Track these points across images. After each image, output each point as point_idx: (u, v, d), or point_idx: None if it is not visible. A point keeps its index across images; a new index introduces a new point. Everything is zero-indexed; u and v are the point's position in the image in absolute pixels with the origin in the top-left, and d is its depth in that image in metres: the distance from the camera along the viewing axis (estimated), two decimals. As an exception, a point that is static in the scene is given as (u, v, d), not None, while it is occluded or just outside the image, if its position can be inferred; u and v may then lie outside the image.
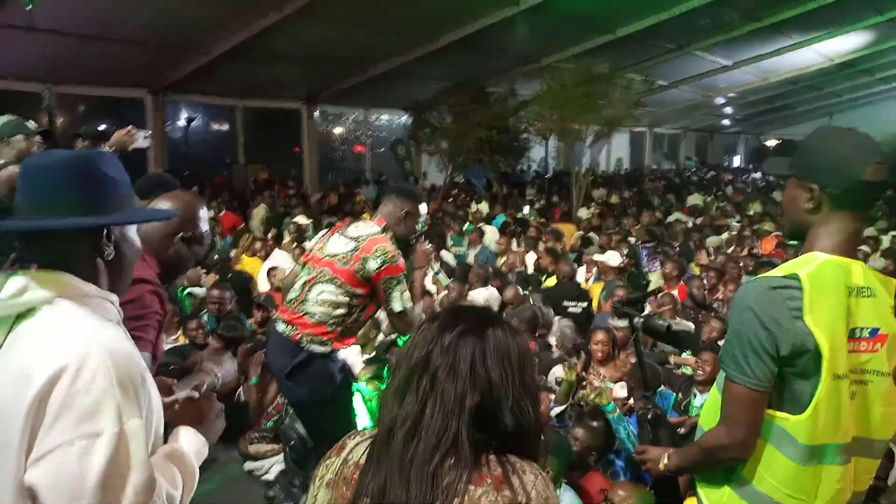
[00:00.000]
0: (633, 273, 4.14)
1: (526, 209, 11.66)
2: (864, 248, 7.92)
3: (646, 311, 2.81)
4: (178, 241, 2.11)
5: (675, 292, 6.04)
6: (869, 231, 8.86)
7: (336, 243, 3.23)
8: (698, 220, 11.92)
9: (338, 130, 20.26)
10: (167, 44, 10.10)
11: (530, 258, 8.12)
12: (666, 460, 2.00)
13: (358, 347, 4.73)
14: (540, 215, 12.01)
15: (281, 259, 7.15)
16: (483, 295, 6.02)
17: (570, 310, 6.10)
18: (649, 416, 2.23)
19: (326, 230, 3.43)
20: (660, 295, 5.66)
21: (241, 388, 4.79)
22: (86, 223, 1.33)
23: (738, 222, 11.90)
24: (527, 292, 6.46)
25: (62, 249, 1.34)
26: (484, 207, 12.55)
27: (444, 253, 7.89)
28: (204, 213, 2.20)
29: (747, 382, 1.71)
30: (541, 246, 8.36)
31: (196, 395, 1.65)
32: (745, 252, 8.35)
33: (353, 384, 3.97)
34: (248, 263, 7.46)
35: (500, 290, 6.26)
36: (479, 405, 1.18)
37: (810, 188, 1.76)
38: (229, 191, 12.34)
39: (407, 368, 1.24)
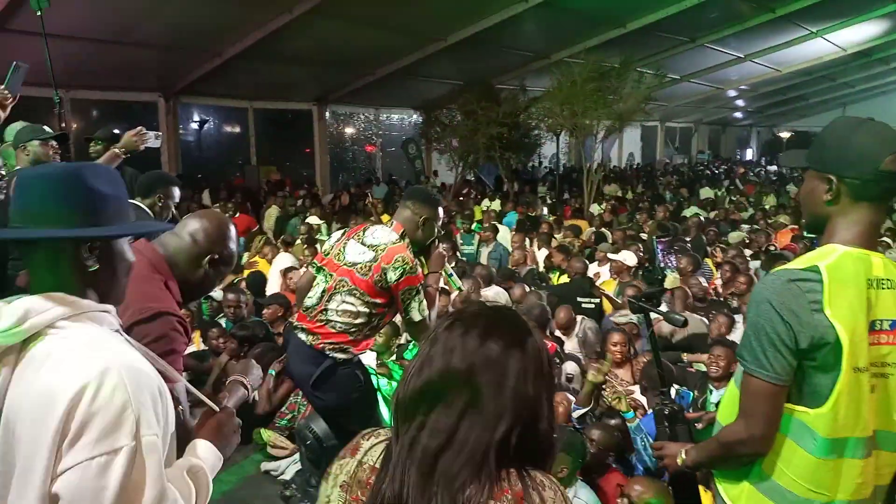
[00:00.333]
0: (649, 268, 4.11)
1: (545, 211, 11.54)
2: (886, 239, 7.83)
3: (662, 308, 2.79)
4: (206, 262, 2.05)
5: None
6: (889, 223, 8.76)
7: (354, 250, 3.21)
8: (712, 214, 11.83)
9: (349, 130, 20.31)
10: (179, 47, 10.18)
11: (541, 255, 8.09)
12: (684, 456, 1.99)
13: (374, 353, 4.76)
14: (551, 212, 11.97)
15: (285, 262, 7.16)
16: (489, 295, 6.00)
17: (584, 306, 6.08)
18: (666, 412, 2.21)
19: (342, 233, 3.40)
20: (674, 290, 5.64)
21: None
22: (61, 234, 1.34)
23: (751, 215, 11.80)
24: (540, 290, 6.43)
25: (49, 260, 1.36)
26: (496, 205, 12.52)
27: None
28: (234, 233, 2.14)
29: (766, 376, 1.69)
30: (554, 243, 8.33)
31: (216, 408, 1.65)
32: (759, 247, 8.26)
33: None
34: (261, 265, 7.49)
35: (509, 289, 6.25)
36: (513, 421, 1.16)
37: (829, 180, 1.74)
38: (242, 192, 12.40)
39: (441, 375, 1.19)
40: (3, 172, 3.32)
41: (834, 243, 1.74)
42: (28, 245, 1.37)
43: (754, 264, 7.15)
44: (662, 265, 5.45)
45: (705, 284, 6.13)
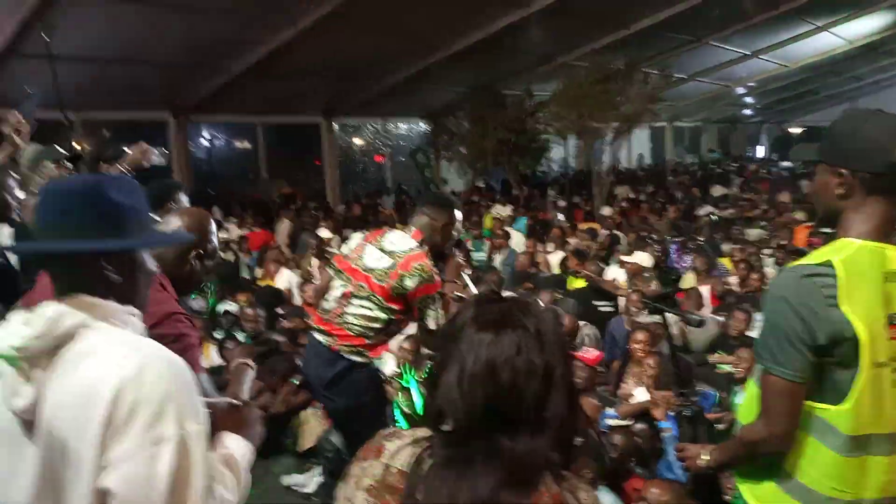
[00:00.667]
0: (664, 269, 4.08)
1: (560, 217, 11.43)
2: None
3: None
4: (192, 258, 2.13)
5: (705, 288, 5.97)
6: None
7: (372, 255, 3.21)
8: (725, 213, 11.77)
9: (357, 142, 20.40)
10: (187, 66, 10.28)
11: (555, 259, 8.06)
12: (705, 456, 1.97)
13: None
14: (565, 216, 11.92)
15: (288, 279, 7.18)
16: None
17: (601, 309, 6.07)
18: (687, 413, 2.20)
19: (362, 237, 3.41)
20: (689, 289, 5.60)
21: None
22: (82, 247, 1.36)
23: (765, 212, 11.71)
24: (558, 294, 6.42)
25: (72, 273, 1.38)
26: (506, 211, 12.51)
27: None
28: (213, 228, 2.25)
29: (784, 374, 1.68)
30: (567, 246, 8.31)
31: (238, 402, 1.68)
32: (774, 243, 8.19)
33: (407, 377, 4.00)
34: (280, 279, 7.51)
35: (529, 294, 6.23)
36: (553, 423, 1.15)
37: (841, 173, 1.73)
38: (256, 206, 12.47)
39: (475, 380, 1.15)
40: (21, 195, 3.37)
41: (848, 237, 1.73)
42: (52, 258, 1.39)
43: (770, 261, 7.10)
44: (677, 266, 5.40)
45: (729, 282, 6.07)
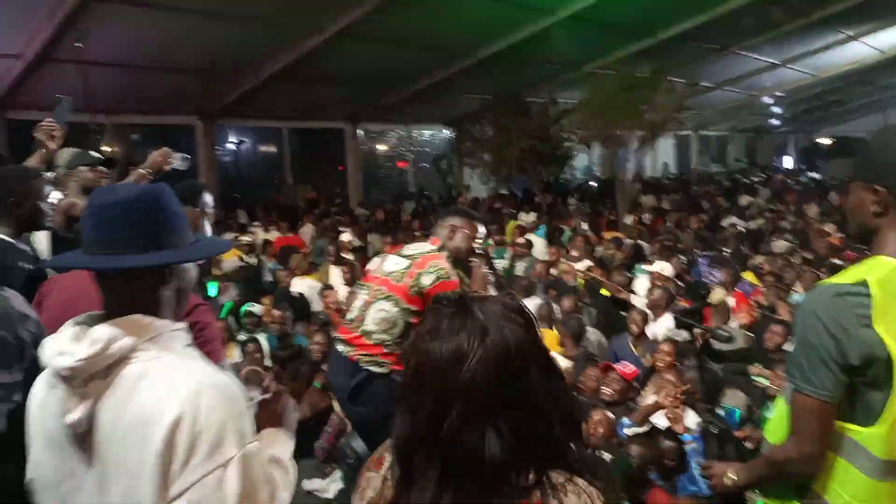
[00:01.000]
0: (693, 283, 3.99)
1: (585, 226, 11.32)
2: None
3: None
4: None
5: (731, 300, 5.88)
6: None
7: (391, 262, 3.28)
8: (752, 224, 11.61)
9: (381, 147, 20.50)
10: (216, 71, 10.42)
11: (578, 268, 7.98)
12: (732, 475, 1.94)
13: None
14: (589, 225, 11.81)
15: (308, 285, 7.22)
16: (531, 306, 5.95)
17: (622, 318, 6.01)
18: (714, 431, 2.16)
19: (384, 252, 3.51)
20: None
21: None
22: (163, 260, 1.39)
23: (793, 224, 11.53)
24: (584, 302, 6.38)
25: (126, 285, 1.39)
26: (530, 218, 12.46)
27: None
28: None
29: (815, 393, 1.65)
30: (597, 253, 8.26)
31: (268, 396, 1.70)
32: (800, 257, 8.03)
33: None
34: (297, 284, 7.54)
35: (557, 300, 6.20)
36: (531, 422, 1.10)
37: (876, 190, 1.70)
38: (280, 210, 12.57)
39: (442, 375, 1.10)
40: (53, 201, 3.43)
41: (883, 256, 1.70)
42: (105, 273, 1.40)
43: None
44: (706, 281, 5.29)
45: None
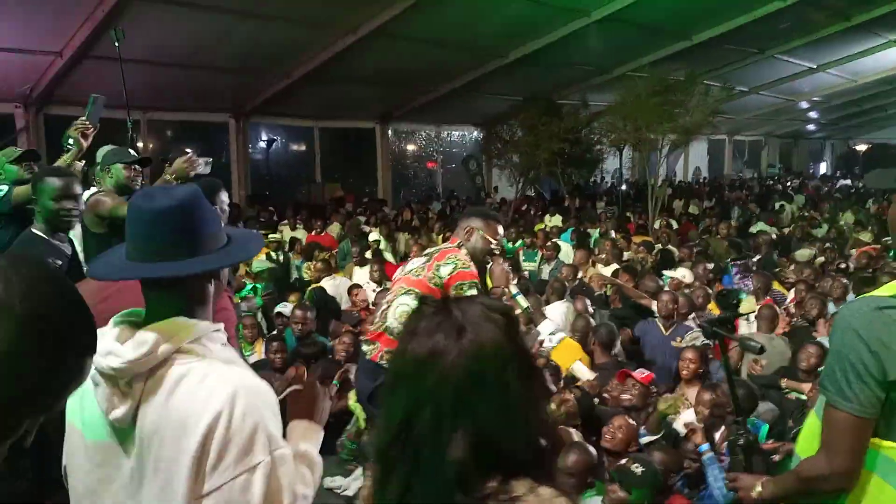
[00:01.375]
0: (723, 292, 3.91)
1: (612, 232, 11.23)
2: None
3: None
4: None
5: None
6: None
7: (413, 262, 3.37)
8: (785, 231, 11.41)
9: (410, 147, 20.56)
10: (249, 70, 10.56)
11: (606, 272, 7.90)
12: (759, 489, 1.90)
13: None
14: (617, 229, 11.71)
15: (336, 284, 7.25)
16: (560, 309, 5.92)
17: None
18: (741, 443, 2.13)
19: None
20: (762, 308, 5.41)
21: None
22: (204, 267, 1.45)
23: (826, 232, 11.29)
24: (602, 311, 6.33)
25: (172, 289, 1.44)
26: (556, 221, 12.41)
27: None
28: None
29: (850, 408, 1.61)
30: (626, 256, 8.18)
31: (300, 387, 1.73)
32: (834, 266, 7.83)
33: None
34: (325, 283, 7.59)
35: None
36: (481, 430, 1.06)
37: (918, 203, 1.66)
38: (310, 209, 12.68)
39: (400, 375, 1.12)
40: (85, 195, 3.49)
41: (924, 269, 1.65)
42: (153, 279, 1.45)
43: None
44: (738, 288, 5.18)
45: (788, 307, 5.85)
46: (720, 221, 11.50)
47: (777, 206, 14.89)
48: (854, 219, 12.72)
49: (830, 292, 6.00)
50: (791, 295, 6.42)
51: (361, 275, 7.64)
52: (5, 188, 3.74)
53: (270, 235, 9.14)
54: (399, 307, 3.17)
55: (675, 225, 12.34)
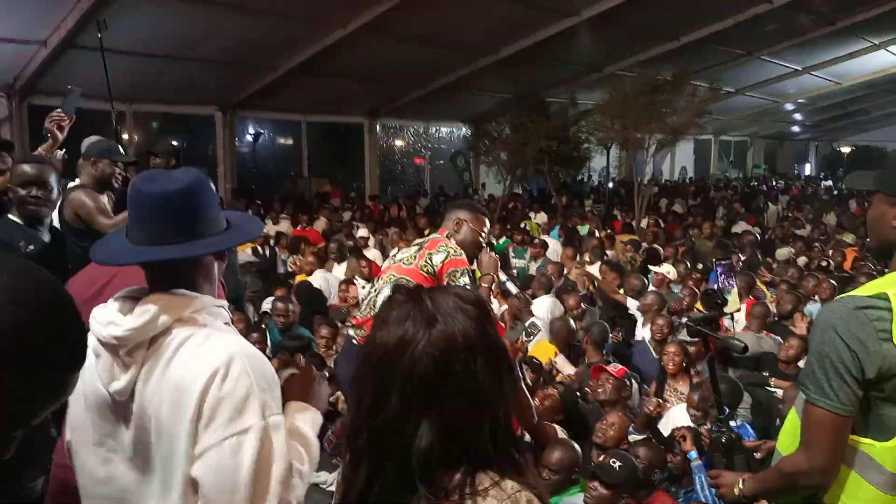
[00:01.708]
0: (708, 291, 3.94)
1: (597, 231, 11.27)
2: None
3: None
4: None
5: (743, 307, 5.83)
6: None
7: (403, 252, 3.37)
8: (769, 231, 11.52)
9: (398, 143, 20.52)
10: (237, 63, 10.50)
11: (593, 270, 7.95)
12: (741, 485, 1.93)
13: None
14: (603, 227, 11.78)
15: (324, 278, 7.24)
16: (546, 303, 5.95)
17: (621, 322, 6.00)
18: (723, 441, 2.15)
19: (397, 250, 3.58)
20: (753, 306, 5.47)
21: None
22: (206, 249, 1.47)
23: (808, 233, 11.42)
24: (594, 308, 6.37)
25: (174, 268, 1.47)
26: (541, 218, 12.45)
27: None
28: None
29: (829, 406, 1.64)
30: (610, 254, 8.23)
31: (296, 371, 1.76)
32: (817, 265, 7.94)
33: None
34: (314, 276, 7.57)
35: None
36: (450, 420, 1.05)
37: (898, 204, 1.68)
38: (295, 203, 12.64)
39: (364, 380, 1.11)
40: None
41: (904, 270, 1.68)
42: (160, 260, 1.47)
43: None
44: (722, 288, 5.22)
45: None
46: (704, 221, 11.59)
47: (761, 204, 15.03)
48: (836, 220, 12.88)
49: (819, 292, 6.10)
50: (769, 294, 6.52)
51: (339, 271, 7.64)
52: None
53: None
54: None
55: (661, 224, 12.41)
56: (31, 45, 8.34)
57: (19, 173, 3.03)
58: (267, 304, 6.11)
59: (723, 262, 5.58)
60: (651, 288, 6.48)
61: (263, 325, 5.91)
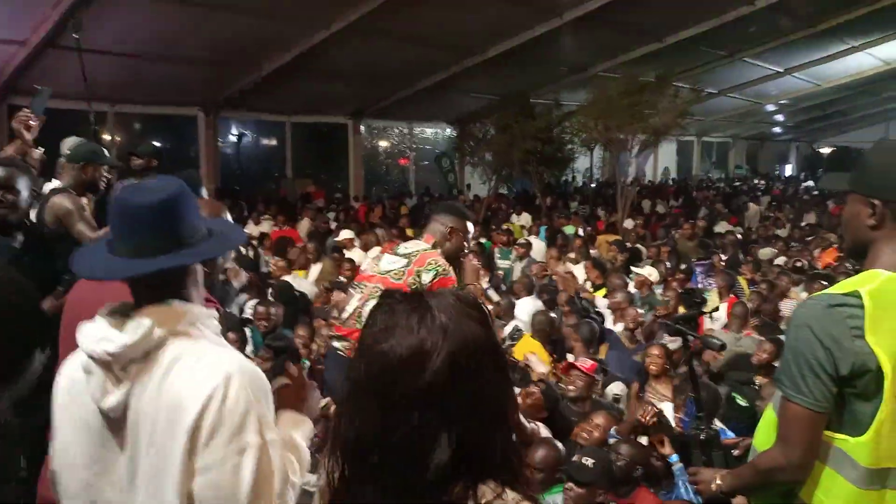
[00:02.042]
0: (688, 290, 3.98)
1: (580, 230, 11.33)
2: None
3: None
4: None
5: (723, 306, 5.90)
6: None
7: (388, 261, 3.27)
8: (752, 230, 11.64)
9: (383, 144, 20.50)
10: (220, 63, 10.43)
11: (577, 270, 8.00)
12: (719, 481, 1.95)
13: None
14: (586, 226, 11.84)
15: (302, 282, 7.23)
16: (528, 306, 5.98)
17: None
18: (702, 438, 2.17)
19: (378, 251, 3.51)
20: (734, 303, 5.51)
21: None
22: (189, 259, 1.46)
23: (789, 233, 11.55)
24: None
25: (160, 280, 1.44)
26: (525, 219, 12.49)
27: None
28: (228, 218, 2.27)
29: (804, 402, 1.66)
30: (594, 253, 8.27)
31: (288, 381, 1.76)
32: (791, 264, 8.02)
33: None
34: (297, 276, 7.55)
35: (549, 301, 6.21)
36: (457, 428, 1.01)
37: (872, 204, 1.71)
38: (279, 204, 12.58)
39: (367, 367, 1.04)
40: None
41: (876, 268, 1.71)
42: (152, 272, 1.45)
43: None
44: (702, 287, 5.28)
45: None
46: (686, 221, 11.69)
47: (745, 209, 15.15)
48: (816, 220, 13.04)
49: (790, 294, 6.18)
50: (748, 292, 6.61)
51: (315, 271, 7.63)
52: None
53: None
54: None
55: (641, 224, 12.49)
56: (11, 45, 8.24)
57: None
58: (248, 308, 6.06)
59: (702, 261, 5.65)
60: (630, 289, 6.53)
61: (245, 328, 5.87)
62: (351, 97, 13.72)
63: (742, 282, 6.90)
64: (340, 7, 9.16)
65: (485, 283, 3.68)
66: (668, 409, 4.05)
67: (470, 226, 3.40)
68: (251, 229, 9.89)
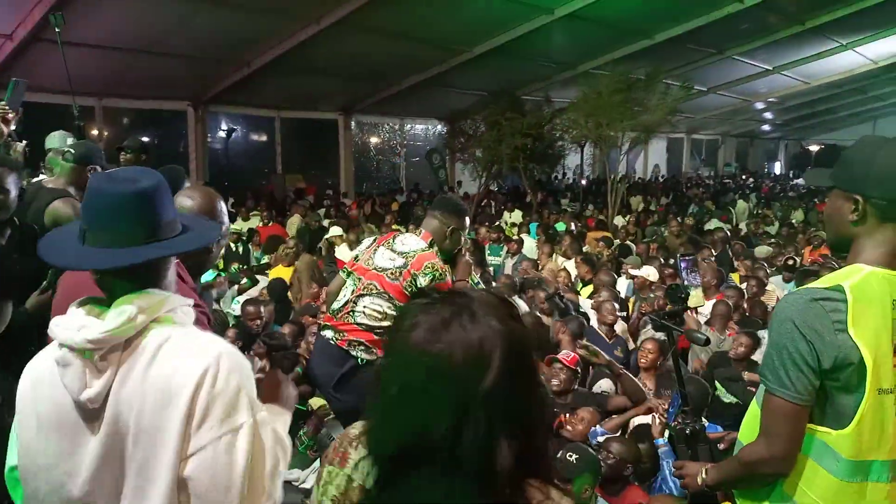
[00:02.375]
0: (673, 286, 4.00)
1: (571, 225, 11.36)
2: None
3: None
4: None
5: (711, 302, 5.92)
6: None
7: (383, 257, 3.24)
8: (740, 227, 11.70)
9: (373, 140, 20.46)
10: (209, 58, 10.38)
11: (567, 266, 8.01)
12: (704, 475, 1.97)
13: None
14: (576, 223, 11.87)
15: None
16: (518, 304, 5.98)
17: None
18: (687, 432, 2.19)
19: (373, 240, 3.45)
20: (715, 302, 5.54)
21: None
22: (163, 252, 1.44)
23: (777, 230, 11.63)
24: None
25: (151, 270, 1.44)
26: (516, 217, 12.51)
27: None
28: (223, 207, 2.21)
29: (788, 395, 1.67)
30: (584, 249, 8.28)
31: (262, 375, 1.74)
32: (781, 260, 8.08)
33: None
34: (282, 272, 7.52)
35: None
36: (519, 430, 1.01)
37: (855, 199, 1.72)
38: (268, 199, 12.54)
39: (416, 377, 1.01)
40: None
41: (859, 263, 1.72)
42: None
43: (776, 279, 7.04)
44: (686, 283, 5.30)
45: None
46: (674, 217, 11.74)
47: (733, 206, 15.23)
48: (804, 217, 13.13)
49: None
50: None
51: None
52: None
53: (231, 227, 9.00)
54: (372, 305, 3.13)
55: (633, 221, 12.54)
56: (-3, 38, 8.17)
57: None
58: (236, 305, 6.02)
59: (687, 256, 5.67)
60: (619, 285, 6.54)
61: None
62: (341, 93, 13.70)
63: (735, 279, 6.94)
64: (329, 3, 9.14)
65: (476, 279, 3.67)
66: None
67: (467, 221, 3.40)
68: (240, 225, 9.85)
